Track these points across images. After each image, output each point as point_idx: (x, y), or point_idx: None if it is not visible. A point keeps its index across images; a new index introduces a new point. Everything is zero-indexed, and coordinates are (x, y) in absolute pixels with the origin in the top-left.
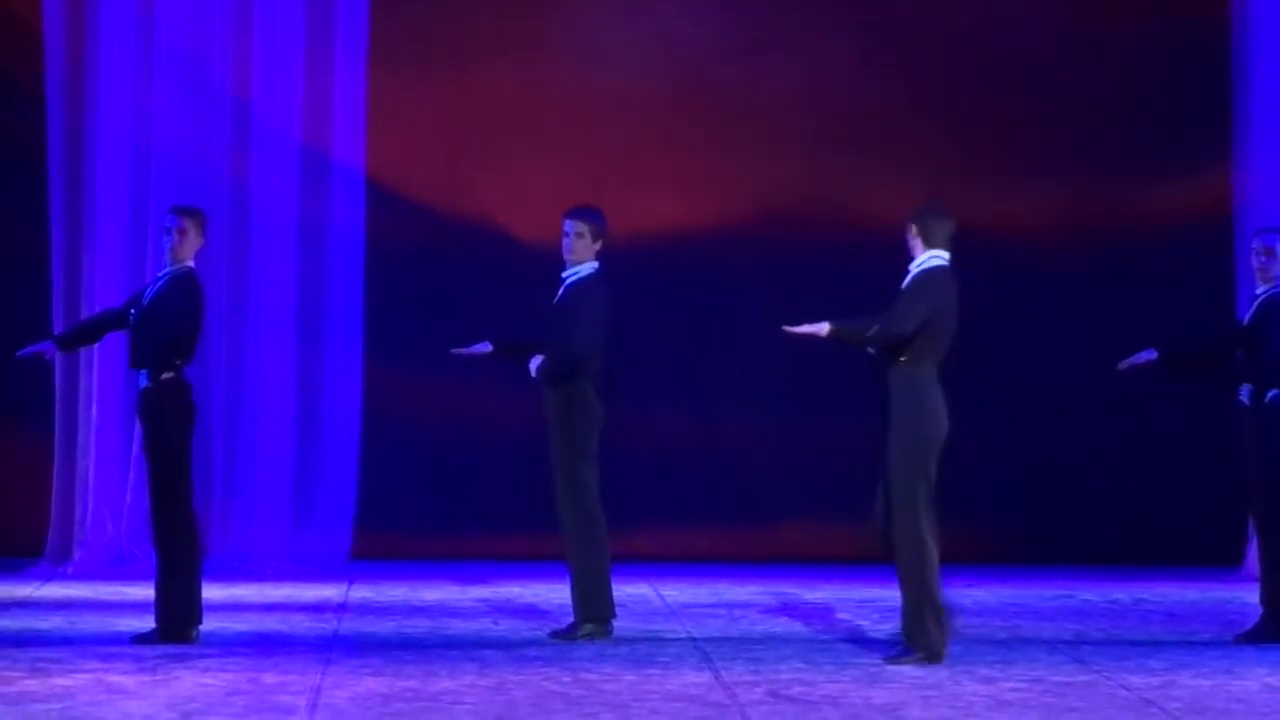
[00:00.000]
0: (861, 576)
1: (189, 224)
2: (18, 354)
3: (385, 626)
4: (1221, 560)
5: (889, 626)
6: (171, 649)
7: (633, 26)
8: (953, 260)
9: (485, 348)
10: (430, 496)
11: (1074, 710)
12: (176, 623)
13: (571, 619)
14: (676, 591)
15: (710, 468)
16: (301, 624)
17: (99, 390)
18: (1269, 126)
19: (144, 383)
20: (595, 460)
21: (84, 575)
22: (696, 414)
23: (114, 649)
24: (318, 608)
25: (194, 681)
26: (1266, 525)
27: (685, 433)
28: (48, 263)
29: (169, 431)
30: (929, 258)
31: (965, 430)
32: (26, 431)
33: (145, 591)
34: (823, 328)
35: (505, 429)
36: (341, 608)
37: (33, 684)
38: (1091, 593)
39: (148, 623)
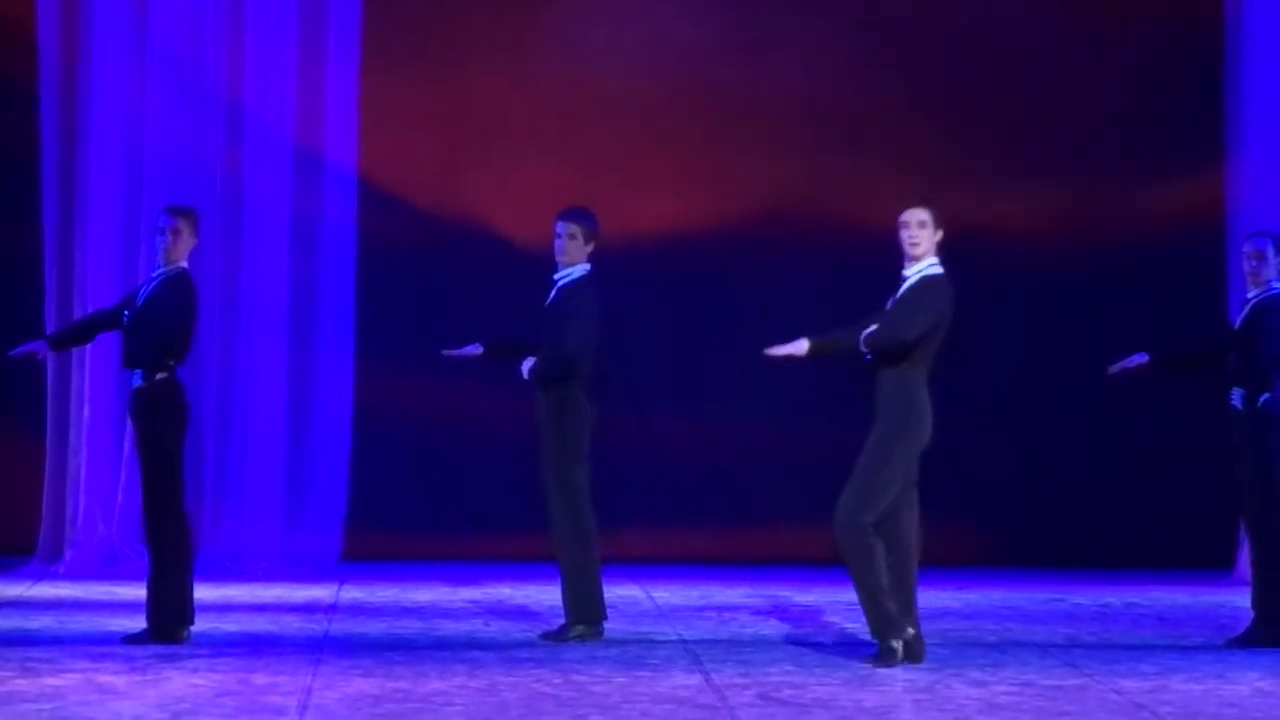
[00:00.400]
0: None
1: (183, 224)
2: (10, 354)
3: (376, 627)
4: (1213, 564)
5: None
6: (162, 649)
7: (629, 26)
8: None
9: (476, 349)
10: (421, 497)
11: (1065, 714)
12: (167, 623)
13: (562, 620)
14: (667, 593)
15: (701, 470)
16: (292, 624)
17: (91, 390)
18: (1263, 131)
19: (137, 383)
20: (586, 462)
21: (75, 575)
22: (687, 415)
23: (105, 649)
24: (308, 608)
25: (184, 682)
26: (1258, 529)
27: (676, 434)
28: (41, 263)
29: (162, 432)
30: (929, 265)
31: (957, 432)
32: (18, 431)
33: (136, 591)
34: (801, 346)
35: (497, 430)
36: (332, 608)
37: (23, 683)
38: (1083, 596)
39: (139, 623)
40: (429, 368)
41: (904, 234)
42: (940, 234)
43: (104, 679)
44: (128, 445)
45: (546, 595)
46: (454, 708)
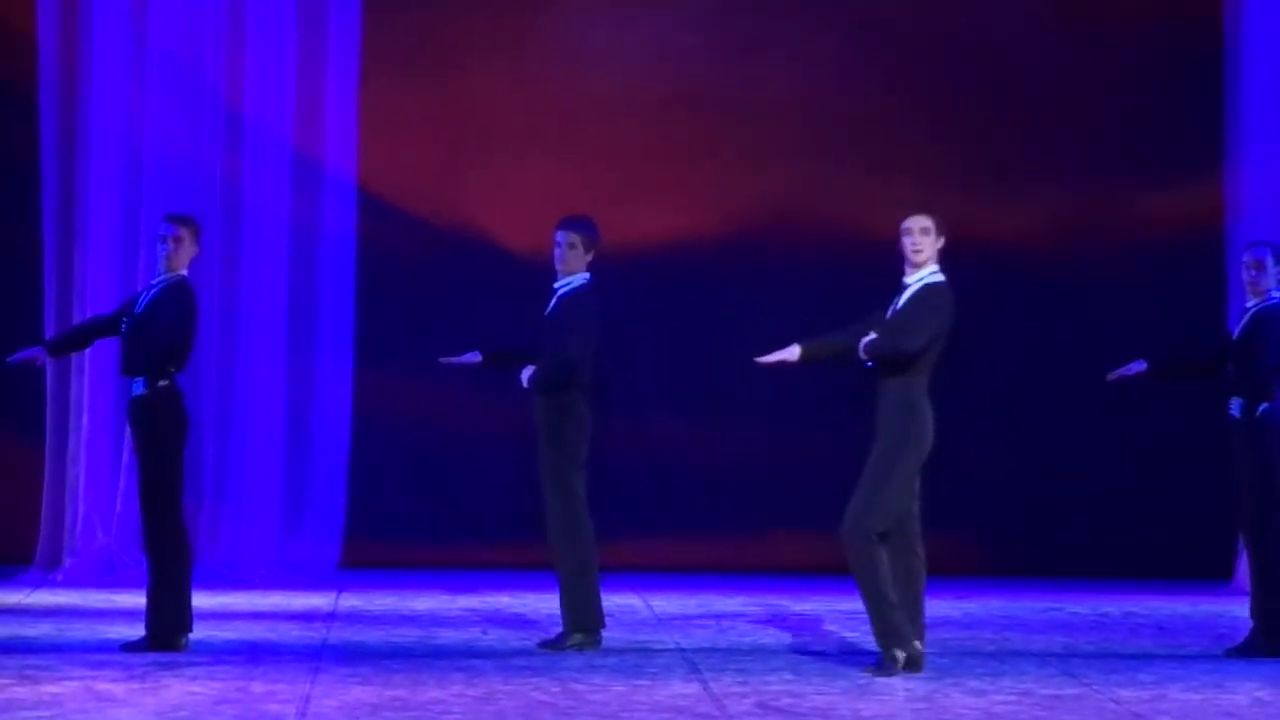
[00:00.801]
0: (850, 588)
1: (184, 233)
2: (8, 359)
3: (374, 635)
4: (1212, 574)
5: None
6: (161, 657)
7: (628, 30)
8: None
9: (475, 357)
10: (420, 505)
11: None
12: (166, 630)
13: (560, 629)
14: (665, 602)
15: (699, 478)
16: (291, 632)
17: (90, 397)
18: (1262, 138)
19: (137, 390)
20: (585, 469)
21: (74, 582)
22: (686, 423)
23: (103, 656)
24: (307, 616)
25: (183, 689)
26: (1257, 539)
27: (675, 442)
28: (40, 268)
29: (161, 439)
30: (931, 272)
31: (956, 441)
32: (17, 438)
33: (135, 599)
34: (793, 352)
35: (495, 438)
36: (331, 616)
37: (21, 691)
38: (1081, 605)
39: (137, 630)
40: (428, 375)
41: (906, 241)
42: (942, 241)
43: (103, 686)
44: (127, 453)
45: (545, 603)
46: (452, 716)
